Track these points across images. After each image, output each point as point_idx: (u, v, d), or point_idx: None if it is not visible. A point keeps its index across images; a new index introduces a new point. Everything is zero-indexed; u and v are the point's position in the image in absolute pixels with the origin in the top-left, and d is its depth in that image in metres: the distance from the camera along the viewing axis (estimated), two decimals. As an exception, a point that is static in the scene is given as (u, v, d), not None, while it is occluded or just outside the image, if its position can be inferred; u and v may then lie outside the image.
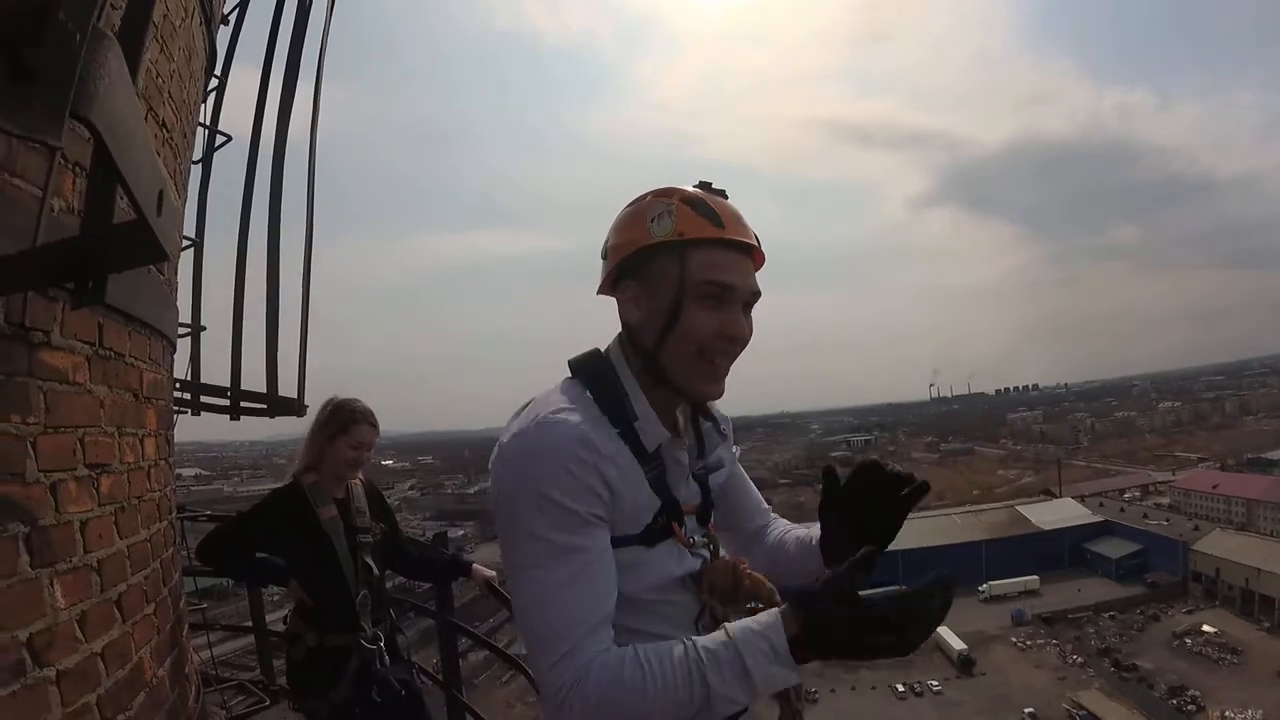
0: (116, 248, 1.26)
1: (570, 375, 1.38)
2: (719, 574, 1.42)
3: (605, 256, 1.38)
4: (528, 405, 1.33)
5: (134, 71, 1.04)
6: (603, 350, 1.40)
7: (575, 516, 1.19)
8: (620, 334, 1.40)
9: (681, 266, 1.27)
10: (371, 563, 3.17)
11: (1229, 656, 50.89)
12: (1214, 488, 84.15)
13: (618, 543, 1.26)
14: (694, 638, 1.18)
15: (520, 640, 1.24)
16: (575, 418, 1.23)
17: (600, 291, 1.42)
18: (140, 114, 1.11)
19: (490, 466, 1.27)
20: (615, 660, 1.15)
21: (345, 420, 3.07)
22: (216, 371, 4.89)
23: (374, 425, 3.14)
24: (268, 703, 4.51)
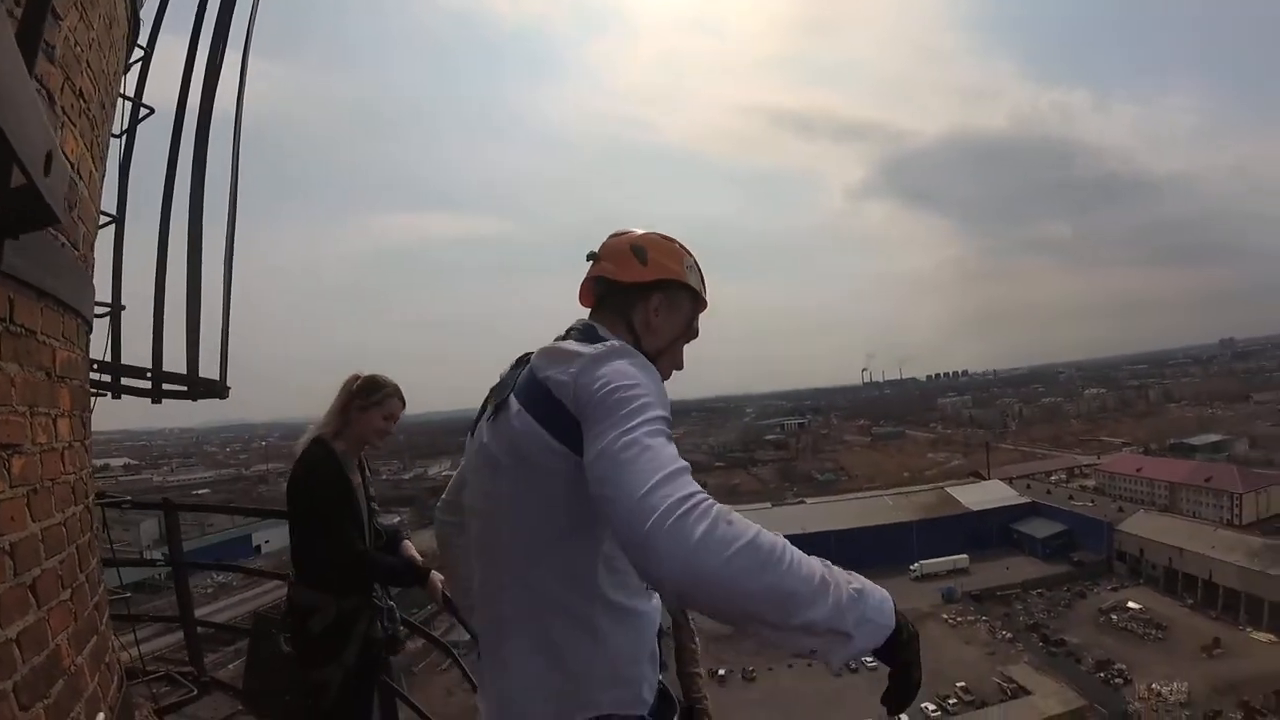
0: (9, 212, 1.22)
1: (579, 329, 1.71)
2: None
3: (640, 257, 1.75)
4: (575, 336, 1.65)
5: (31, 33, 1.01)
6: (595, 324, 1.73)
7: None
8: (610, 316, 1.76)
9: (692, 313, 1.84)
10: (380, 529, 3.39)
11: (1154, 632, 53.33)
12: (1137, 471, 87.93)
13: None
14: None
15: (603, 484, 1.27)
16: None
17: (618, 275, 1.75)
18: (23, 73, 1.08)
19: (593, 361, 1.46)
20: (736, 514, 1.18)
21: (380, 393, 3.23)
22: (139, 355, 4.73)
23: (403, 400, 3.32)
24: (195, 693, 4.41)
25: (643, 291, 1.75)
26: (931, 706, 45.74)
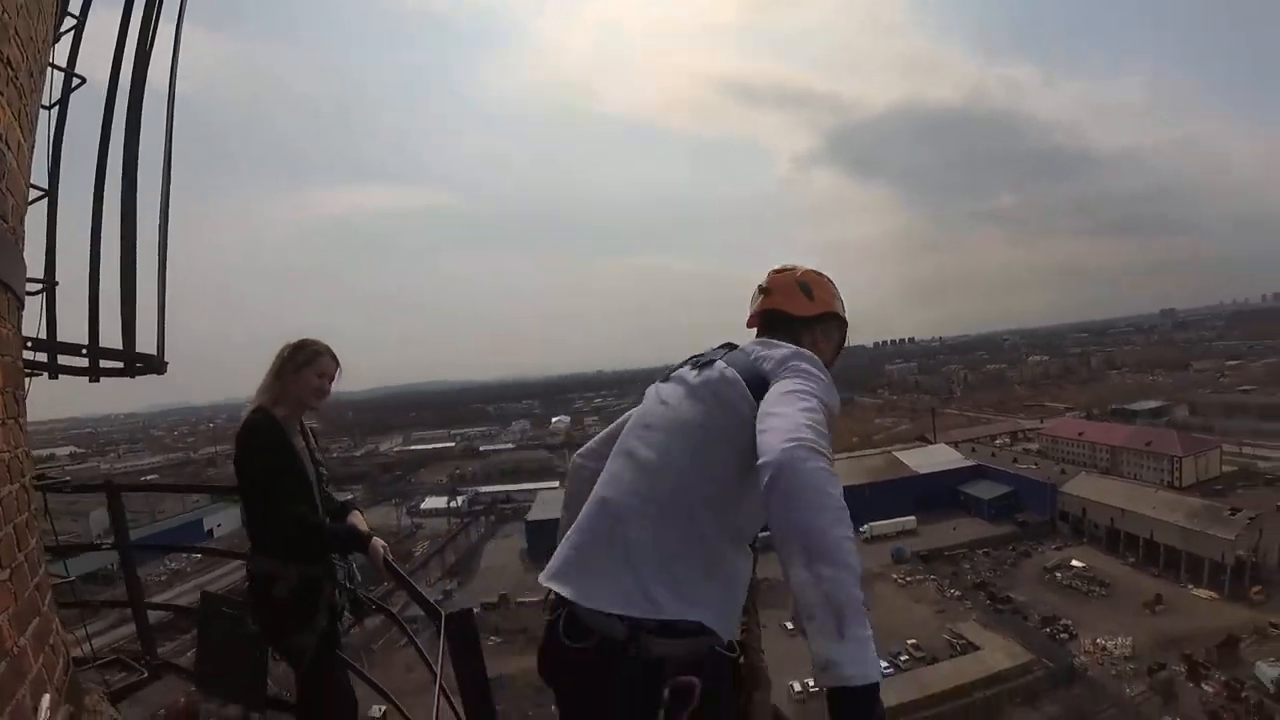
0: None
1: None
2: None
3: (807, 294, 2.20)
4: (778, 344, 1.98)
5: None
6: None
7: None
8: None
9: (840, 338, 2.29)
10: (331, 493, 3.43)
11: (1098, 589, 54.71)
12: (1079, 435, 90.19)
13: None
14: None
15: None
16: None
17: (789, 308, 2.19)
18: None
19: (797, 354, 1.87)
20: None
21: (310, 353, 3.28)
22: (75, 332, 4.58)
23: (335, 359, 3.36)
24: (146, 676, 4.35)
25: (807, 323, 2.18)
26: (884, 663, 46.77)
